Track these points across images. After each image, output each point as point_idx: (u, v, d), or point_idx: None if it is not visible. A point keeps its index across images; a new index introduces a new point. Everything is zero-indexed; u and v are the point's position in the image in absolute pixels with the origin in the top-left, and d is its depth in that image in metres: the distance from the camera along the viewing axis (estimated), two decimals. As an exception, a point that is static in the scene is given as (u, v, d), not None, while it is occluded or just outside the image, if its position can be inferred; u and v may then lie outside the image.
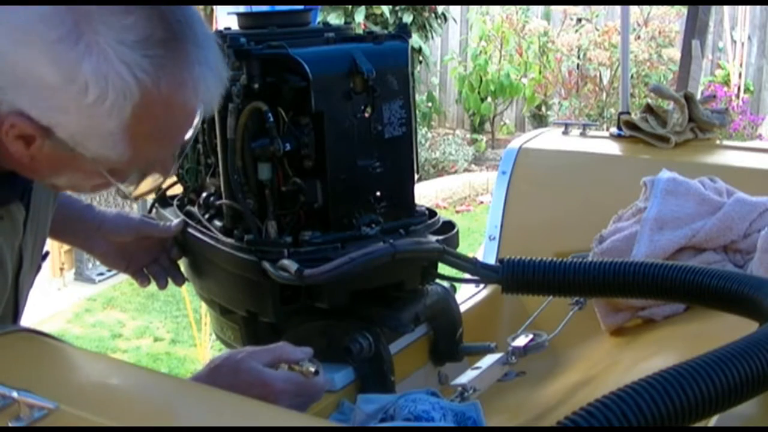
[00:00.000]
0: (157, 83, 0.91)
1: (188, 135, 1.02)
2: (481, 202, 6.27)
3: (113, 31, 0.89)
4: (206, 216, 1.38)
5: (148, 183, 1.05)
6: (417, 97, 6.47)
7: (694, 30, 2.65)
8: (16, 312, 1.16)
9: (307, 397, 1.14)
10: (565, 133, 2.14)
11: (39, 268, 1.20)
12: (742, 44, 7.23)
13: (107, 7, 0.89)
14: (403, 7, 6.68)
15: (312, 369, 1.11)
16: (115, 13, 0.89)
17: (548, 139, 2.11)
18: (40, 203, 1.16)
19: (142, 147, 0.96)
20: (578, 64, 7.10)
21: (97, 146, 0.95)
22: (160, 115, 0.94)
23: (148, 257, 1.42)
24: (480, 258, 1.48)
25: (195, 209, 1.41)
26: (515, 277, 1.27)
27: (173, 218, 1.44)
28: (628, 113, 2.14)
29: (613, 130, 2.12)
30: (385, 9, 6.59)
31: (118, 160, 0.97)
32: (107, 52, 0.89)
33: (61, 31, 0.89)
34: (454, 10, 7.63)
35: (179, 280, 1.43)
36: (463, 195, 6.49)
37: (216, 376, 1.11)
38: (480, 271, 1.30)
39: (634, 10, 6.55)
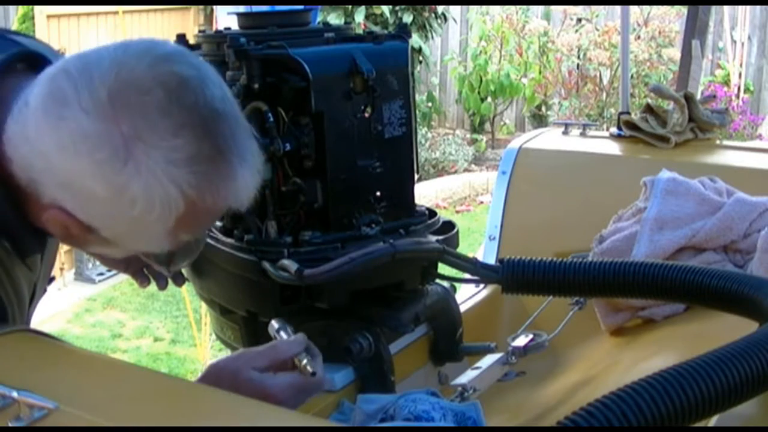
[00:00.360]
0: (202, 196, 0.93)
1: None
2: (481, 202, 6.27)
3: (162, 151, 0.90)
4: (206, 216, 1.38)
5: (182, 261, 1.12)
6: (417, 97, 6.47)
7: (694, 30, 2.65)
8: None
9: (308, 394, 1.14)
10: (565, 133, 2.14)
11: (45, 291, 1.21)
12: (742, 44, 7.23)
13: (156, 125, 0.90)
14: (403, 7, 6.69)
15: (310, 369, 1.11)
16: (164, 135, 0.90)
17: (548, 139, 2.11)
18: (52, 239, 1.17)
19: (181, 239, 1.00)
20: (578, 64, 7.10)
21: (138, 244, 1.01)
22: (202, 216, 0.98)
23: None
24: (480, 258, 1.48)
25: (195, 209, 1.41)
26: (515, 277, 1.27)
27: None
28: (628, 113, 2.14)
29: (613, 130, 2.12)
30: (385, 9, 6.59)
31: (156, 252, 1.02)
32: (156, 171, 0.90)
33: (108, 152, 0.89)
34: (454, 10, 7.63)
35: (179, 280, 1.43)
36: (463, 195, 6.49)
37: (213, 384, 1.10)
38: (480, 271, 1.30)
39: (634, 10, 6.55)
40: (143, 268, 1.44)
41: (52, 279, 1.23)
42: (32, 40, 1.15)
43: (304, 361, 1.11)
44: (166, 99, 0.90)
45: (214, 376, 1.11)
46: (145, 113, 0.90)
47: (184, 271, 1.44)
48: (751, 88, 7.27)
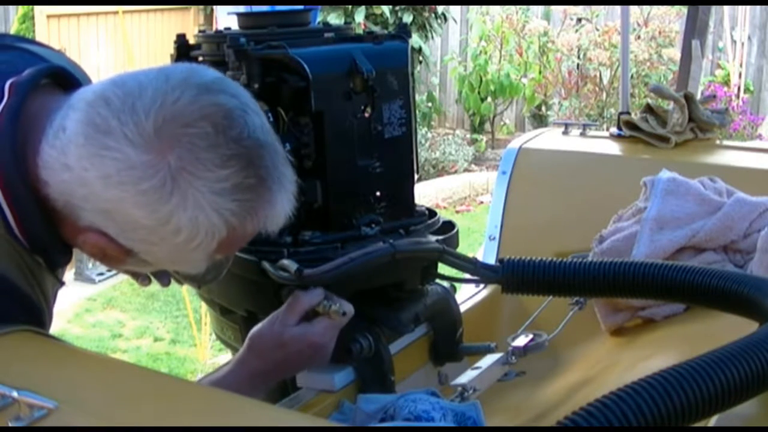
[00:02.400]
0: (243, 223, 0.95)
1: None
2: (481, 202, 6.27)
3: (207, 182, 0.91)
4: (206, 216, 1.38)
5: (212, 277, 1.13)
6: (417, 97, 6.47)
7: (694, 30, 2.65)
8: None
9: (339, 329, 1.21)
10: (565, 133, 2.14)
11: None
12: (742, 44, 7.23)
13: (202, 157, 0.91)
14: (403, 7, 6.68)
15: (341, 312, 1.18)
16: (210, 166, 0.91)
17: (548, 139, 2.11)
18: None
19: (216, 259, 1.02)
20: (578, 64, 7.10)
21: (176, 266, 1.03)
22: (240, 241, 1.00)
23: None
24: (480, 258, 1.48)
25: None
26: (515, 277, 1.27)
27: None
28: (628, 113, 2.14)
29: (613, 130, 2.12)
30: (385, 9, 6.59)
31: (193, 272, 1.04)
32: (201, 202, 0.91)
33: (155, 182, 0.90)
34: (454, 10, 7.63)
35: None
36: (463, 195, 6.49)
37: (265, 356, 1.18)
38: (480, 271, 1.30)
39: (634, 10, 6.55)
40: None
41: (62, 284, 1.24)
42: (48, 50, 1.16)
43: (334, 307, 1.18)
44: (213, 132, 0.91)
45: (259, 346, 1.19)
46: (191, 145, 0.90)
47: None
48: (751, 88, 7.27)
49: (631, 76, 6.13)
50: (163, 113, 0.90)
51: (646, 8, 6.80)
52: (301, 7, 1.40)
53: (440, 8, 6.99)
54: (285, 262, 1.20)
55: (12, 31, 5.93)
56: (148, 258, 0.98)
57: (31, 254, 1.01)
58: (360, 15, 6.48)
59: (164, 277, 1.42)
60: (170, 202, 0.91)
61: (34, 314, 1.03)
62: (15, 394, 0.75)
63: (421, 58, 6.96)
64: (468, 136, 7.57)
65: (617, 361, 1.48)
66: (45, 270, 1.05)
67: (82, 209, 0.94)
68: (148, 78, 0.93)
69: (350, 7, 6.51)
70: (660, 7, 6.79)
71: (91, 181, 0.91)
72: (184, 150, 0.90)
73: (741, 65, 7.18)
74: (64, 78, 1.04)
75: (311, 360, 1.21)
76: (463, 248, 1.39)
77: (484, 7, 7.47)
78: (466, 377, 1.28)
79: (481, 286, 1.77)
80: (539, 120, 7.54)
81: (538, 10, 7.58)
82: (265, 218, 0.97)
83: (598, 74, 6.93)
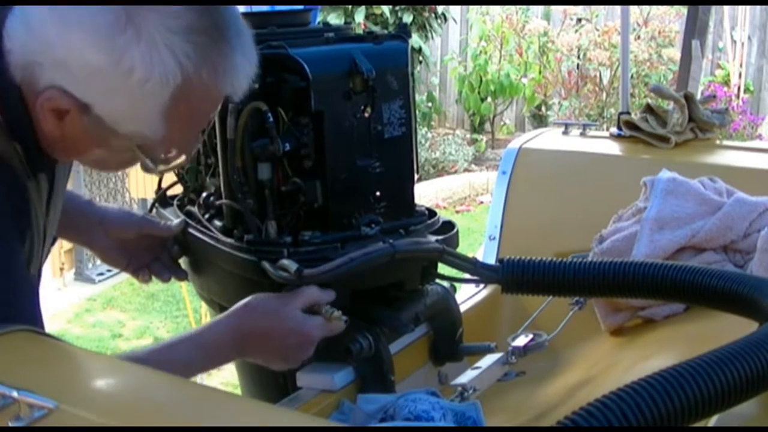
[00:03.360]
0: (198, 70, 0.96)
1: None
2: (481, 202, 6.27)
3: (161, 17, 0.93)
4: (206, 216, 1.38)
5: (173, 161, 1.10)
6: (417, 97, 6.46)
7: (694, 30, 2.65)
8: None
9: (328, 334, 1.20)
10: (565, 133, 2.14)
11: (48, 251, 1.21)
12: (742, 44, 7.23)
13: None
14: (403, 7, 6.68)
15: (344, 318, 1.18)
16: (167, 3, 0.94)
17: (548, 139, 2.11)
18: (59, 187, 1.18)
19: (174, 127, 1.00)
20: (578, 64, 7.10)
21: (133, 125, 1.00)
22: (197, 99, 0.99)
23: (149, 255, 1.42)
24: (480, 258, 1.48)
25: (195, 209, 1.41)
26: (515, 277, 1.27)
27: (173, 218, 1.44)
28: (628, 113, 2.14)
29: (613, 130, 2.12)
30: (385, 9, 6.59)
31: (150, 138, 1.01)
32: (155, 37, 0.93)
33: (109, 17, 0.92)
34: (454, 10, 7.63)
35: (182, 275, 1.43)
36: (463, 195, 6.49)
37: (253, 317, 1.17)
38: (480, 271, 1.30)
39: (634, 10, 6.55)
40: (146, 266, 1.44)
41: (55, 239, 1.23)
42: None
43: (336, 313, 1.18)
44: None
45: (254, 305, 1.18)
46: None
47: (185, 268, 1.44)
48: (751, 88, 7.27)
49: (631, 76, 6.13)
50: None
51: (646, 8, 6.80)
52: (301, 7, 1.40)
53: (440, 8, 6.99)
54: (285, 262, 1.20)
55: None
56: (103, 113, 0.98)
57: (9, 140, 1.01)
58: (360, 15, 6.49)
59: (164, 273, 1.43)
60: (124, 35, 0.92)
61: (21, 207, 1.03)
62: (15, 394, 0.75)
63: (421, 58, 6.96)
64: (468, 136, 7.57)
65: (617, 361, 1.48)
66: (25, 174, 1.05)
67: (40, 65, 0.95)
68: None
69: (350, 7, 6.51)
70: (660, 7, 6.79)
71: (48, 30, 0.94)
72: None
73: (741, 65, 7.18)
74: None
75: (292, 351, 1.19)
76: (463, 248, 1.39)
77: (484, 7, 7.46)
78: (466, 377, 1.28)
79: (481, 286, 1.77)
80: (539, 120, 7.54)
81: (538, 10, 7.58)
82: (223, 72, 0.97)
83: (598, 74, 6.93)
